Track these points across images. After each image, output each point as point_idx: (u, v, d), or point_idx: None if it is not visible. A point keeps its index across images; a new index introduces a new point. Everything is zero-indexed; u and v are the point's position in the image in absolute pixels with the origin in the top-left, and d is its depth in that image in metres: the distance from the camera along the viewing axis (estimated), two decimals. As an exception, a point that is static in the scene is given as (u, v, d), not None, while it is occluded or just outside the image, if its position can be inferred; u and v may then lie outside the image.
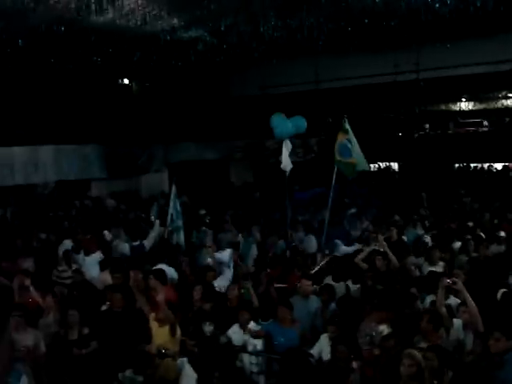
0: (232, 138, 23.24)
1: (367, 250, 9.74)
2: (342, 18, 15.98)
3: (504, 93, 26.87)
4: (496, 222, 13.71)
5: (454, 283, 6.84)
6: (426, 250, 10.13)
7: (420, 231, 12.85)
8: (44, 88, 19.44)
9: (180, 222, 11.82)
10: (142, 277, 8.95)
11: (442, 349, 5.99)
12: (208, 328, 7.55)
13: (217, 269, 9.73)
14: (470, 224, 13.24)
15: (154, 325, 7.28)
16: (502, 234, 11.94)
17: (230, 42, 17.24)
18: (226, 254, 10.27)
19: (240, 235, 12.65)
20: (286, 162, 11.14)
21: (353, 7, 14.98)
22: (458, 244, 11.02)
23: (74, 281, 9.42)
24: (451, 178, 22.66)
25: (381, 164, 27.83)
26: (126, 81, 23.03)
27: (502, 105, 27.63)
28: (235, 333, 7.54)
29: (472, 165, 25.87)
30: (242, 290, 8.49)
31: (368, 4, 14.68)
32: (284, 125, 11.21)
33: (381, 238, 9.61)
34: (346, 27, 16.72)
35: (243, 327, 7.53)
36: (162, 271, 8.95)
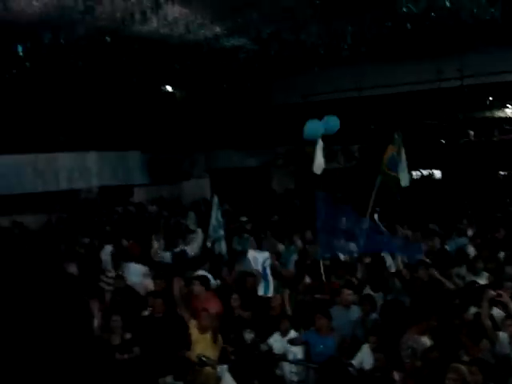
0: (273, 145, 23.29)
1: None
2: (384, 25, 15.86)
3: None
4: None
5: (500, 296, 6.71)
6: (469, 261, 9.95)
7: (463, 240, 12.63)
8: (89, 95, 19.78)
9: (221, 232, 11.71)
10: (183, 283, 9.03)
11: (485, 362, 5.88)
12: (248, 336, 7.58)
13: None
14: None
15: (194, 332, 7.32)
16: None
17: (272, 50, 17.25)
18: (262, 255, 9.86)
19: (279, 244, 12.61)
20: (319, 163, 10.97)
21: (395, 14, 14.87)
22: (502, 254, 10.79)
23: (116, 286, 9.53)
24: (496, 186, 22.22)
25: (423, 171, 27.46)
26: (169, 88, 23.25)
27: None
28: (276, 341, 7.54)
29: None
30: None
31: (411, 10, 14.55)
32: (313, 124, 11.13)
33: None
34: (389, 34, 16.59)
35: (284, 335, 7.54)
36: (206, 278, 8.99)
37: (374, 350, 6.81)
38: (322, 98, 22.04)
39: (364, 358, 6.96)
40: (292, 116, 22.47)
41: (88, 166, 19.91)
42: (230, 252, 12.08)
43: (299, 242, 12.61)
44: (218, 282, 9.79)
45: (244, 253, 11.56)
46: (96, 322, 8.11)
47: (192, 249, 11.79)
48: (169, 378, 6.95)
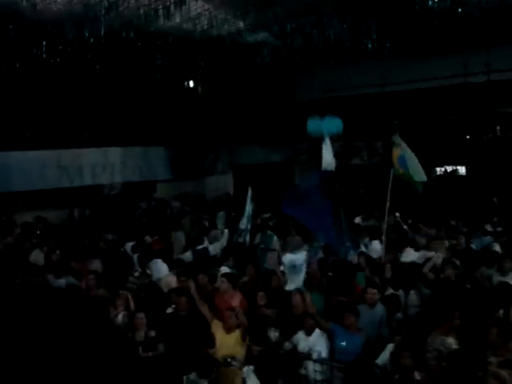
0: (296, 141, 23.20)
1: (434, 258, 9.52)
2: (408, 19, 15.69)
3: None
4: None
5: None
6: (496, 259, 9.79)
7: (488, 239, 12.45)
8: (112, 91, 19.87)
9: (249, 226, 11.82)
10: (207, 280, 9.03)
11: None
12: (273, 334, 7.55)
13: (288, 272, 9.61)
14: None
15: (219, 332, 7.28)
16: None
17: (294, 45, 17.15)
18: (299, 257, 9.80)
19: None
20: (327, 161, 10.96)
21: (420, 8, 14.69)
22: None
23: (140, 283, 9.55)
24: (522, 182, 21.93)
25: (447, 168, 27.20)
26: (191, 84, 23.25)
27: None
28: (300, 339, 7.50)
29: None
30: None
31: (436, 4, 14.37)
32: (315, 123, 11.18)
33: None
34: (413, 29, 16.42)
35: (308, 334, 7.49)
36: (233, 275, 8.97)
37: (398, 350, 6.73)
38: (344, 94, 21.92)
39: (388, 357, 6.89)
40: (314, 112, 22.35)
41: (111, 162, 19.98)
42: (253, 248, 12.07)
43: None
44: (245, 278, 9.74)
45: (267, 250, 11.56)
46: (120, 319, 8.17)
47: (215, 248, 11.75)
48: (193, 376, 6.93)
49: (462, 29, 16.00)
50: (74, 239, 13.39)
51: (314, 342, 7.40)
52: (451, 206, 16.94)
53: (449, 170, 27.36)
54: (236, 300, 8.09)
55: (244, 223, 11.79)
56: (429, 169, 24.03)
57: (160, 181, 21.72)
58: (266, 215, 15.73)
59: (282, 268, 9.89)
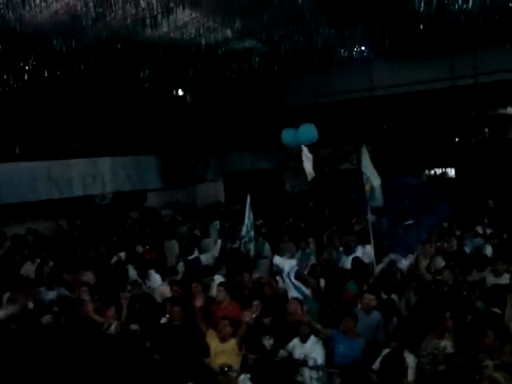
0: (286, 147, 23.26)
1: (426, 260, 9.55)
2: (396, 24, 15.77)
3: None
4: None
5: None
6: (488, 262, 9.82)
7: (479, 240, 12.50)
8: (101, 101, 19.84)
9: (252, 233, 11.67)
10: (201, 289, 8.99)
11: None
12: (268, 342, 7.50)
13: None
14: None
15: (214, 342, 7.24)
16: None
17: (283, 52, 17.20)
18: (288, 264, 9.59)
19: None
20: (308, 171, 11.06)
21: (407, 13, 14.78)
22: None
23: (134, 294, 9.48)
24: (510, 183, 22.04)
25: (437, 170, 27.34)
26: (180, 92, 23.26)
27: None
28: (296, 347, 7.47)
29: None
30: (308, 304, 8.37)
31: (422, 9, 14.45)
32: (289, 133, 11.33)
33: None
34: (401, 33, 16.50)
35: (303, 341, 7.47)
36: (229, 284, 8.93)
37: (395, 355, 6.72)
38: (333, 99, 22.00)
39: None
40: (304, 118, 22.42)
41: (101, 172, 19.93)
42: (245, 256, 12.03)
43: (314, 246, 12.54)
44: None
45: (260, 257, 11.52)
46: (113, 330, 8.12)
47: (206, 258, 11.69)
48: (189, 386, 6.90)
49: (449, 33, 16.11)
50: (65, 250, 13.31)
51: (310, 349, 7.36)
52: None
53: (438, 173, 27.55)
54: (234, 310, 8.06)
55: (245, 230, 11.65)
56: (418, 172, 24.22)
57: (150, 190, 21.67)
58: (258, 222, 15.68)
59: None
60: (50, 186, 18.38)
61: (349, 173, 20.75)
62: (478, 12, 14.57)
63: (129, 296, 8.51)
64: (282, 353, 7.45)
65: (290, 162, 23.76)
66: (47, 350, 7.26)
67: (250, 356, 7.39)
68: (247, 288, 9.45)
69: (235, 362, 7.00)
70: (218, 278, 9.55)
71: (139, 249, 13.13)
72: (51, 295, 9.91)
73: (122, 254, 12.13)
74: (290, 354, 7.45)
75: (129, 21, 13.44)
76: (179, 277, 10.36)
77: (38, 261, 11.90)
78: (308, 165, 11.24)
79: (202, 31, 15.12)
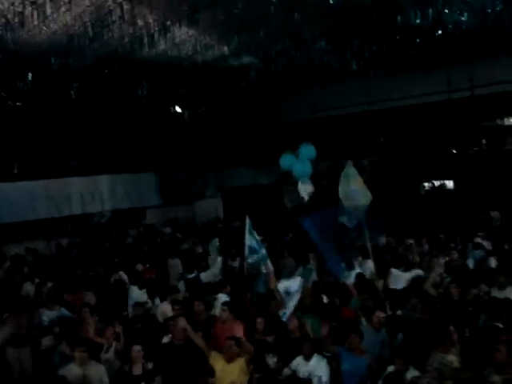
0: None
1: (434, 275, 9.53)
2: (391, 38, 15.82)
3: None
4: None
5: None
6: (491, 275, 9.78)
7: (480, 252, 12.45)
8: (98, 120, 19.86)
9: (264, 251, 11.15)
10: (203, 308, 8.94)
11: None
12: (271, 360, 7.45)
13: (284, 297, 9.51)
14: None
15: (220, 363, 7.16)
16: None
17: (279, 68, 17.23)
18: (295, 284, 9.71)
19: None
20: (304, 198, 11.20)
21: (402, 27, 14.83)
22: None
23: (135, 314, 9.43)
24: (509, 194, 22.04)
25: (435, 182, 27.35)
26: (178, 109, 23.28)
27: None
28: (300, 365, 7.41)
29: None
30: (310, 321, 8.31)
31: (418, 23, 14.50)
32: (286, 157, 11.53)
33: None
34: (397, 47, 16.55)
35: (307, 359, 7.41)
36: (233, 304, 8.84)
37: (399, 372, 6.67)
38: (330, 114, 22.04)
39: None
40: (302, 132, 22.46)
41: (100, 190, 19.88)
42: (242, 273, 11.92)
43: (315, 261, 12.48)
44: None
45: (260, 274, 11.42)
46: (112, 350, 8.04)
47: (207, 276, 11.60)
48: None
49: (445, 46, 16.16)
50: (65, 270, 13.23)
51: (314, 367, 7.31)
52: (441, 221, 16.97)
53: (436, 185, 27.53)
54: (238, 329, 7.99)
55: (248, 252, 11.04)
56: (416, 184, 24.24)
57: (149, 207, 21.61)
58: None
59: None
60: (48, 204, 18.32)
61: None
62: (474, 24, 14.64)
63: (119, 327, 8.33)
64: (286, 371, 7.40)
65: (288, 177, 23.73)
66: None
67: (254, 375, 7.34)
68: (250, 308, 9.37)
69: (243, 381, 6.94)
70: (222, 297, 9.48)
71: (139, 267, 13.06)
72: (52, 315, 9.85)
73: (122, 273, 12.03)
74: (294, 372, 7.40)
75: (126, 39, 13.47)
76: (181, 295, 10.29)
77: (37, 281, 11.84)
78: (304, 195, 11.36)
79: (198, 48, 15.14)
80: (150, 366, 7.43)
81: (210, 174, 23.45)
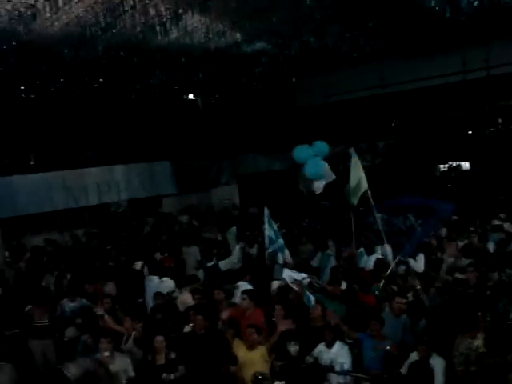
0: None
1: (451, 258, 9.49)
2: (405, 19, 15.64)
3: None
4: None
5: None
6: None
7: (499, 234, 12.33)
8: (113, 109, 19.88)
9: (281, 241, 11.34)
10: (223, 296, 8.97)
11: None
12: (293, 348, 7.46)
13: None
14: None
15: (242, 350, 7.20)
16: None
17: (293, 52, 17.11)
18: (299, 276, 9.49)
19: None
20: (318, 186, 11.26)
21: (416, 7, 14.67)
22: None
23: (156, 303, 9.47)
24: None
25: (451, 164, 27.15)
26: (192, 97, 23.20)
27: None
28: (321, 352, 7.43)
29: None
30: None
31: (432, 3, 14.33)
32: (301, 148, 11.56)
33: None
34: (410, 28, 16.37)
35: (329, 346, 7.43)
36: (253, 291, 8.85)
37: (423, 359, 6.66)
38: (345, 98, 21.90)
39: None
40: (316, 117, 22.37)
41: (116, 180, 19.92)
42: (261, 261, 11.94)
43: (334, 247, 12.47)
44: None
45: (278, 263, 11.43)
46: (131, 340, 8.10)
47: (225, 264, 11.62)
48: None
49: (460, 26, 15.97)
50: (84, 261, 13.32)
51: (336, 354, 7.33)
52: (458, 203, 16.85)
53: (452, 166, 27.33)
54: (258, 317, 8.01)
55: (273, 241, 11.25)
56: (432, 166, 24.10)
57: (165, 195, 21.65)
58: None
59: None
60: (65, 195, 18.39)
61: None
62: (489, 4, 14.45)
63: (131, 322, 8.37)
64: (308, 359, 7.42)
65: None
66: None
67: (276, 363, 7.36)
68: (273, 296, 9.38)
69: (265, 369, 7.00)
70: (242, 285, 9.49)
71: (158, 256, 13.10)
72: (73, 307, 9.95)
73: (139, 263, 12.07)
74: (317, 359, 7.42)
75: (138, 29, 13.42)
76: (199, 284, 10.33)
77: (57, 273, 11.94)
78: (319, 185, 11.43)
79: (211, 35, 15.06)
80: (172, 355, 7.48)
81: (225, 161, 23.42)
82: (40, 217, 17.56)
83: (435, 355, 6.65)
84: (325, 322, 7.89)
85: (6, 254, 14.96)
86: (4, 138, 17.17)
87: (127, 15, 12.43)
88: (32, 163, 18.95)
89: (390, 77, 20.74)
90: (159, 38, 14.19)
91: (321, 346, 7.48)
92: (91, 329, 8.60)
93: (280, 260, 11.05)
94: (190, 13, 13.12)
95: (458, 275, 9.29)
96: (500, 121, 23.53)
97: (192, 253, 13.19)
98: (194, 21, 13.86)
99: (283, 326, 7.57)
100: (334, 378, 7.27)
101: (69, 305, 10.03)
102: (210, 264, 11.61)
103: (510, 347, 6.28)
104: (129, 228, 17.91)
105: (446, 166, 26.39)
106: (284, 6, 13.30)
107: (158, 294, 9.71)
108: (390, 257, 10.75)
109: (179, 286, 10.31)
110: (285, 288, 9.27)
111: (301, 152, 12.01)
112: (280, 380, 6.79)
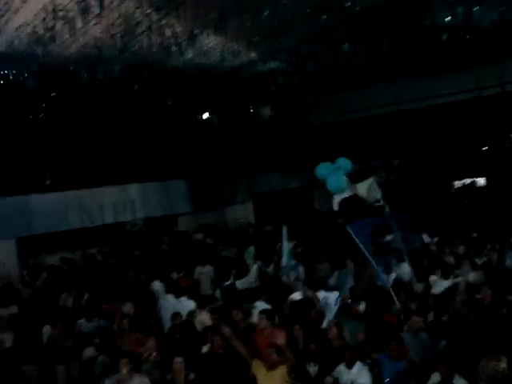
0: (314, 164, 23.23)
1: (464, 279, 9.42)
2: (419, 37, 15.70)
3: None
4: None
5: None
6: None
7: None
8: (128, 128, 19.99)
9: (294, 262, 11.73)
10: (242, 317, 8.92)
11: None
12: (313, 368, 7.40)
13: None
14: None
15: (261, 371, 7.15)
16: None
17: (308, 71, 17.21)
18: (333, 297, 9.66)
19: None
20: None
21: (430, 25, 14.73)
22: None
23: (174, 324, 9.45)
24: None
25: (466, 180, 27.01)
26: (207, 115, 23.27)
27: None
28: (342, 373, 7.37)
29: None
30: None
31: (446, 22, 14.39)
32: (324, 166, 11.58)
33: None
34: (424, 46, 16.43)
35: (349, 367, 7.37)
36: (271, 311, 8.82)
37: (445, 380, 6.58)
38: (359, 115, 21.94)
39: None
40: (330, 134, 22.42)
41: (132, 198, 19.99)
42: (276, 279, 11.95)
43: (351, 265, 12.37)
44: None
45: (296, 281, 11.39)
46: (153, 360, 8.07)
47: (242, 283, 11.60)
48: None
49: (475, 44, 15.99)
50: (101, 280, 13.31)
51: (357, 375, 7.26)
52: (474, 220, 16.75)
53: (467, 183, 27.17)
54: (279, 337, 7.96)
55: (285, 261, 11.63)
56: (447, 183, 24.00)
57: (180, 214, 21.69)
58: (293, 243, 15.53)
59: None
60: (81, 214, 18.46)
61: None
62: (502, 22, 14.48)
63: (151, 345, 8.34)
64: (328, 379, 7.36)
65: (318, 180, 23.67)
66: None
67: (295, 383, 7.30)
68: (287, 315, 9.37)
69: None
70: (260, 305, 9.45)
71: (174, 275, 13.08)
72: (91, 326, 9.94)
73: (157, 282, 12.07)
74: (336, 380, 7.36)
75: (154, 49, 13.57)
76: (218, 304, 10.30)
77: (74, 292, 11.95)
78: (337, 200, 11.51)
79: (226, 55, 15.22)
80: (192, 376, 7.44)
81: (239, 179, 23.46)
82: (55, 236, 17.64)
83: (457, 376, 6.57)
84: (343, 342, 7.83)
85: (24, 273, 15.02)
86: (20, 157, 17.31)
87: (143, 36, 12.60)
88: (48, 182, 19.05)
89: (405, 94, 20.78)
90: (175, 58, 14.36)
91: (341, 367, 7.41)
92: (109, 349, 8.59)
93: (292, 278, 11.22)
94: (205, 33, 13.28)
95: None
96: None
97: (207, 272, 13.15)
98: (209, 41, 14.04)
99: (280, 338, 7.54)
100: (354, 398, 7.20)
101: (87, 325, 10.02)
102: (227, 283, 11.57)
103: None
104: (144, 246, 17.92)
105: (461, 182, 26.29)
106: (299, 25, 13.42)
107: (176, 315, 9.67)
108: (408, 275, 10.75)
109: (200, 306, 10.25)
110: (302, 308, 9.25)
111: (322, 169, 11.93)
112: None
